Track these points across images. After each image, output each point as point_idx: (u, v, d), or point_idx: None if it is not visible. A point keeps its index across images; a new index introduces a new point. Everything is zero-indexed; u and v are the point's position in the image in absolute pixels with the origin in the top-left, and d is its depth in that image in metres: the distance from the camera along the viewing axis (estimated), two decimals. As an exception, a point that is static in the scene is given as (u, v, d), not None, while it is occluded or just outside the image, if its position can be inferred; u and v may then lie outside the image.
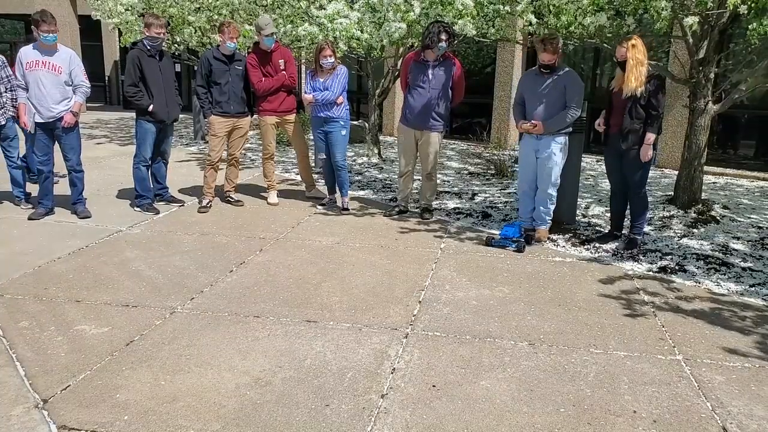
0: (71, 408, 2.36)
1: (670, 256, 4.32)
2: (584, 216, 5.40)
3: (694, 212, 5.43)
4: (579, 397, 2.51)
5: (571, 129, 4.56)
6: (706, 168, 5.72)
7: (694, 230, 4.97)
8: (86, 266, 3.92)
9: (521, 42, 6.47)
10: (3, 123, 5.22)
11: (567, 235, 4.78)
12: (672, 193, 6.02)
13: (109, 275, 3.77)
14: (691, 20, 4.41)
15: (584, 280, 3.86)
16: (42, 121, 4.77)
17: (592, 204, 5.87)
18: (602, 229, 4.96)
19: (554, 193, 4.63)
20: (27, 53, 4.70)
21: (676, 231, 4.95)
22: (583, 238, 4.71)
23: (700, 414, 2.41)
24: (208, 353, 2.81)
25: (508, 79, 9.49)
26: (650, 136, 4.21)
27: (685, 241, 4.69)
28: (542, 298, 3.57)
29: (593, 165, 8.30)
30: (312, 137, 5.68)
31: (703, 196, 5.73)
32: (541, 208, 4.67)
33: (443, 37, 4.65)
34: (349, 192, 5.73)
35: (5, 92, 5.18)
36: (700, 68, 5.25)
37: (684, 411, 2.42)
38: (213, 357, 2.78)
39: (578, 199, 5.18)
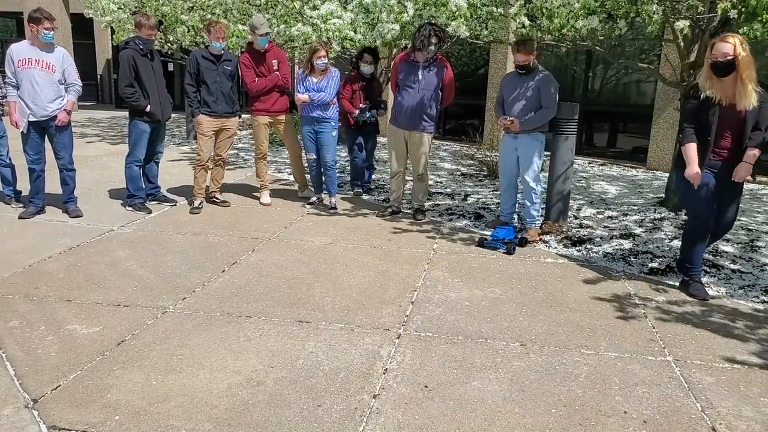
0: (62, 408, 2.34)
1: (660, 258, 4.35)
2: (576, 217, 5.43)
3: (685, 214, 5.47)
4: (570, 398, 2.52)
5: (547, 128, 4.73)
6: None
7: (685, 232, 5.01)
8: (77, 265, 3.90)
9: (512, 46, 6.50)
10: (-8, 121, 5.18)
11: (559, 237, 4.80)
12: (663, 195, 6.07)
13: (101, 275, 3.75)
14: (682, 24, 4.45)
15: (576, 282, 3.89)
16: (35, 119, 4.73)
17: (584, 206, 5.90)
18: (593, 231, 4.99)
19: (537, 189, 4.73)
20: (19, 50, 4.66)
21: (667, 233, 4.98)
22: (575, 239, 4.74)
23: (689, 414, 2.43)
24: (200, 353, 2.80)
25: (500, 80, 9.52)
26: (755, 153, 3.38)
27: (675, 243, 4.73)
28: (534, 299, 3.58)
29: (585, 167, 8.35)
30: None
31: (694, 198, 5.78)
32: (527, 203, 4.77)
33: (433, 41, 4.68)
34: (343, 192, 5.77)
35: (-5, 88, 5.14)
36: (691, 71, 5.29)
37: (674, 411, 2.44)
38: (205, 357, 2.77)
39: (570, 201, 5.21)
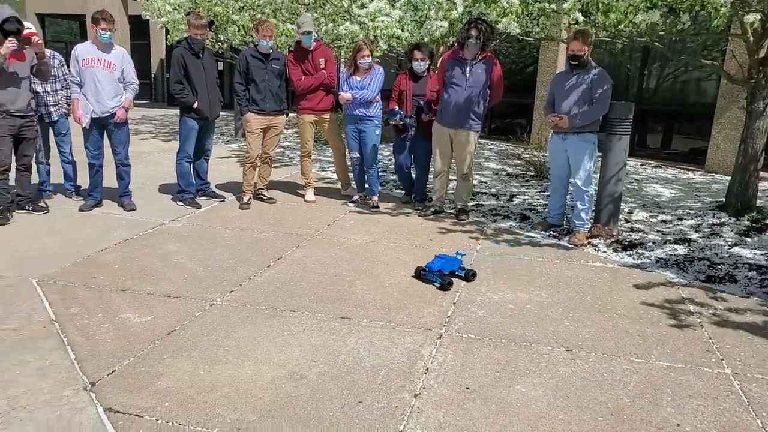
0: (116, 392, 2.44)
1: (719, 266, 4.15)
2: (627, 221, 5.25)
3: (748, 220, 5.20)
4: (618, 407, 2.44)
5: (598, 128, 4.56)
6: (762, 174, 5.47)
7: (747, 239, 4.76)
8: (131, 257, 4.05)
9: (566, 41, 6.35)
10: (56, 119, 5.43)
11: (608, 240, 4.65)
12: (723, 199, 5.78)
13: (153, 266, 3.89)
14: (753, 17, 4.22)
15: (626, 287, 3.76)
16: (96, 116, 4.95)
17: (635, 209, 5.70)
18: (645, 235, 4.81)
19: (589, 191, 4.58)
20: (83, 50, 4.89)
21: (727, 239, 4.75)
22: (626, 243, 4.58)
23: (749, 431, 2.31)
24: (246, 345, 2.86)
25: (550, 79, 9.31)
26: None
27: (736, 249, 4.50)
28: (581, 303, 3.49)
29: (638, 169, 8.07)
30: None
31: (758, 203, 5.49)
32: (579, 204, 4.63)
33: (473, 33, 4.62)
34: (386, 191, 5.76)
35: (61, 90, 5.39)
36: (761, 68, 5.02)
37: (732, 427, 2.33)
38: (250, 349, 2.83)
39: (621, 204, 5.03)
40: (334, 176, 6.70)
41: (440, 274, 3.70)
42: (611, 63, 9.00)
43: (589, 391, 2.55)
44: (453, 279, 3.72)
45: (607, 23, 4.38)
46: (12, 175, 4.80)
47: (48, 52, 5.22)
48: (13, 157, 4.78)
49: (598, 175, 4.81)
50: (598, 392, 2.54)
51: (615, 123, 4.53)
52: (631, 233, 4.88)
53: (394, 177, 6.94)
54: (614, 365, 2.77)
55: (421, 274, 3.80)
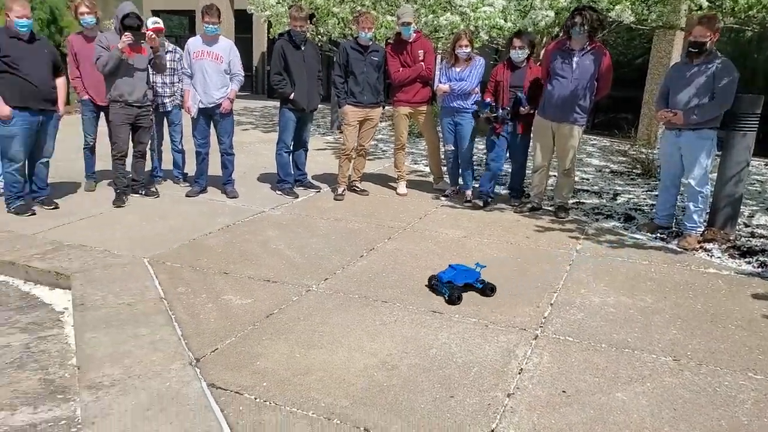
0: (219, 369, 2.58)
1: None
2: (747, 225, 4.79)
3: None
4: (733, 425, 2.23)
5: (718, 124, 4.14)
6: None
7: None
8: (233, 242, 4.27)
9: (685, 29, 5.87)
10: (170, 110, 5.82)
11: (724, 245, 4.27)
12: None
13: (253, 252, 4.07)
14: None
15: (743, 297, 3.43)
16: (203, 106, 5.27)
17: (757, 212, 5.19)
18: (769, 241, 4.36)
19: (704, 191, 4.22)
20: (194, 44, 5.21)
21: None
22: (744, 249, 4.18)
23: None
24: (339, 332, 2.92)
25: (662, 71, 8.68)
26: None
27: None
28: (691, 311, 3.23)
29: (761, 169, 7.33)
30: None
31: None
32: (691, 206, 4.29)
33: (577, 20, 4.38)
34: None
35: (177, 82, 5.77)
36: None
37: None
38: (343, 336, 2.88)
39: (741, 206, 4.59)
40: (427, 169, 6.67)
41: (450, 286, 3.33)
42: (734, 52, 8.22)
43: (699, 405, 2.36)
44: (479, 291, 3.39)
45: (736, 8, 3.95)
46: (128, 161, 5.22)
47: (170, 46, 5.63)
48: (130, 144, 5.19)
49: (715, 174, 4.42)
50: (710, 407, 2.34)
51: (740, 118, 4.12)
52: (751, 239, 4.45)
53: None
54: (728, 380, 2.54)
55: (433, 284, 3.47)
